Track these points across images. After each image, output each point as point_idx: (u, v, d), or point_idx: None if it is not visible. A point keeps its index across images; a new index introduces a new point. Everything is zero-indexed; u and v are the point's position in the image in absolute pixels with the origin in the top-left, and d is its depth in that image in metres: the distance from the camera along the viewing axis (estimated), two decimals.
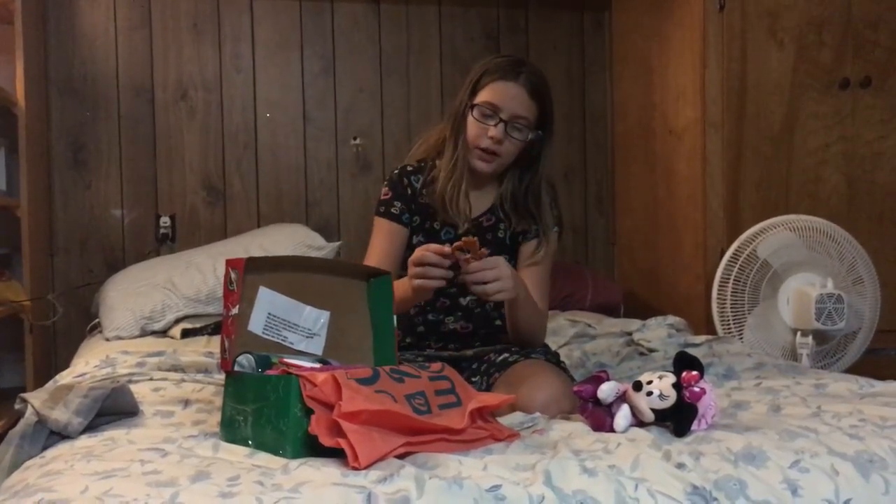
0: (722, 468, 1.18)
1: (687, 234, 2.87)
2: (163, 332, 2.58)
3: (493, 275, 1.65)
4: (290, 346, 1.49)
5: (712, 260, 2.65)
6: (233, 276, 1.40)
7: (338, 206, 3.25)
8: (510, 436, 1.35)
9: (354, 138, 3.26)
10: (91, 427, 1.42)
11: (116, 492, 1.09)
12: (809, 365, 2.27)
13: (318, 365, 1.38)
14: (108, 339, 2.53)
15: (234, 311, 1.39)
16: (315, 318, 1.52)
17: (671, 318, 2.42)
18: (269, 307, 1.46)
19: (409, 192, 1.93)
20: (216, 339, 2.42)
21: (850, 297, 2.33)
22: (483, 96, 1.85)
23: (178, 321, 2.59)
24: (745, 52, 2.73)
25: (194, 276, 2.67)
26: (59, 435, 1.40)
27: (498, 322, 1.95)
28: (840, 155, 2.77)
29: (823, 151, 2.77)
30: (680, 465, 1.18)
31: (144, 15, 3.10)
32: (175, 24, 3.12)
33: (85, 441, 1.37)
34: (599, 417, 1.38)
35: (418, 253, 1.65)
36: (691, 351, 1.76)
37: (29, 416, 1.43)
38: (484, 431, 1.33)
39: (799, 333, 2.34)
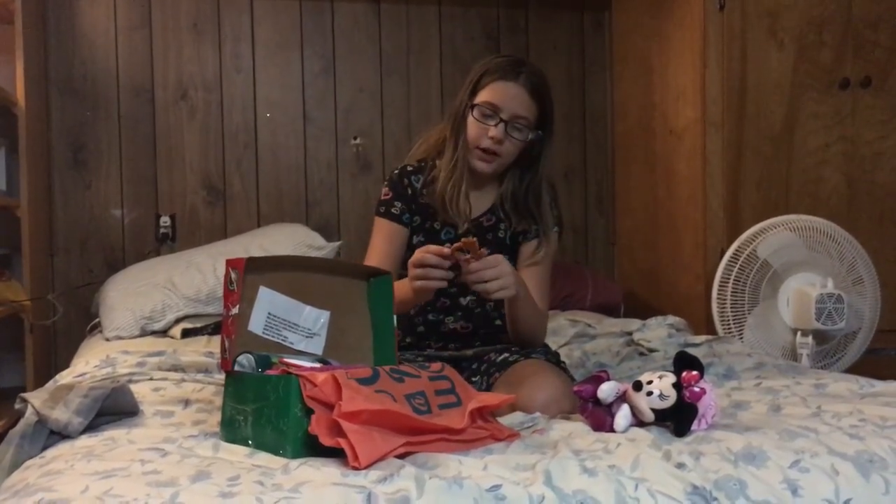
0: (722, 468, 1.18)
1: (687, 234, 2.87)
2: (163, 332, 2.58)
3: (494, 273, 1.65)
4: (290, 345, 1.49)
5: (712, 260, 2.65)
6: (233, 275, 1.40)
7: (338, 205, 3.25)
8: (510, 436, 1.35)
9: (354, 138, 3.26)
10: (91, 427, 1.42)
11: (117, 491, 1.09)
12: (809, 365, 2.27)
13: (318, 365, 1.38)
14: (108, 339, 2.53)
15: (235, 310, 1.39)
16: (315, 318, 1.52)
17: (671, 318, 2.42)
18: (269, 307, 1.46)
19: (410, 192, 1.93)
20: (216, 339, 2.42)
21: (851, 297, 2.33)
22: (483, 96, 1.85)
23: (178, 321, 2.59)
24: (745, 51, 2.73)
25: (194, 275, 2.67)
26: (59, 435, 1.40)
27: (498, 322, 1.95)
28: (840, 155, 2.77)
29: (823, 151, 2.77)
30: (680, 465, 1.18)
31: (144, 15, 3.10)
32: (175, 24, 3.12)
33: (85, 441, 1.37)
34: (599, 417, 1.38)
35: (418, 255, 1.65)
36: (691, 351, 1.76)
37: (29, 416, 1.43)
38: (484, 431, 1.33)
39: (799, 333, 2.34)
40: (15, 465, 1.35)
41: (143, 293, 2.62)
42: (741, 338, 2.34)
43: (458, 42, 3.32)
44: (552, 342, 2.14)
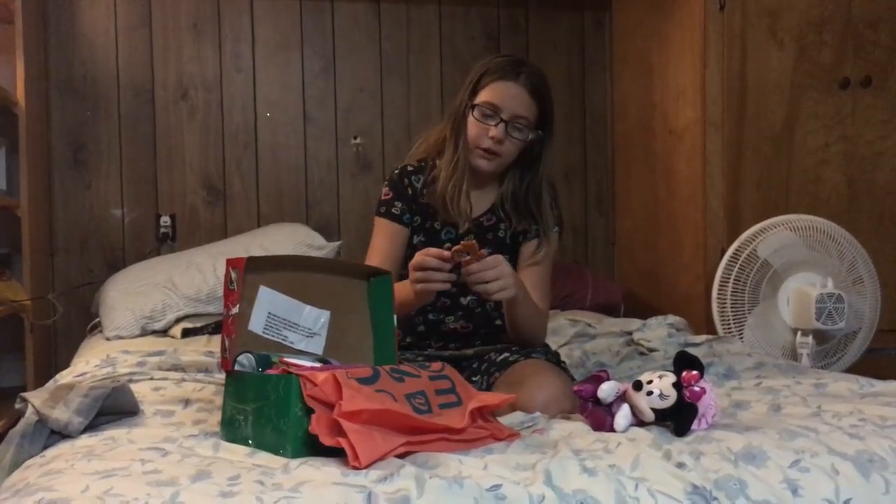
0: (722, 468, 1.18)
1: (687, 233, 2.87)
2: (163, 332, 2.58)
3: (494, 274, 1.65)
4: (290, 345, 1.49)
5: (712, 260, 2.65)
6: (233, 275, 1.40)
7: (338, 205, 3.25)
8: (510, 435, 1.35)
9: (355, 138, 3.26)
10: (91, 426, 1.42)
11: (117, 491, 1.09)
12: (810, 364, 2.27)
13: (318, 364, 1.38)
14: (108, 339, 2.53)
15: (235, 310, 1.39)
16: (315, 318, 1.52)
17: (671, 318, 2.42)
18: (269, 306, 1.46)
19: (410, 192, 1.93)
20: (216, 339, 2.42)
21: (851, 297, 2.33)
22: (483, 96, 1.85)
23: (178, 321, 2.59)
24: (745, 51, 2.73)
25: (195, 275, 2.67)
26: (59, 434, 1.40)
27: (498, 322, 1.95)
28: (840, 155, 2.77)
29: (824, 151, 2.77)
30: (680, 465, 1.18)
31: (145, 15, 3.10)
32: (175, 24, 3.12)
33: (85, 440, 1.37)
34: (599, 417, 1.38)
35: (418, 257, 1.65)
36: (691, 350, 1.76)
37: (29, 416, 1.43)
38: (484, 431, 1.33)
39: (799, 333, 2.34)
40: (15, 465, 1.35)
41: (144, 293, 2.62)
42: (741, 337, 2.34)
43: (459, 42, 3.32)
44: (552, 342, 2.14)
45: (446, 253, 1.63)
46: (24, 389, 2.45)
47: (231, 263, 1.42)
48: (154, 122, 3.12)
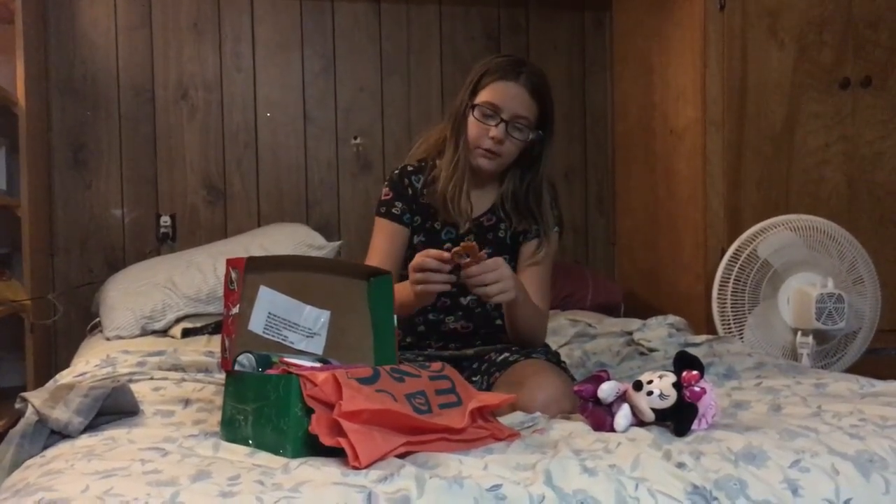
0: (722, 468, 1.18)
1: (687, 233, 2.87)
2: (163, 332, 2.58)
3: (494, 277, 1.65)
4: (290, 345, 1.49)
5: (712, 260, 2.65)
6: (233, 275, 1.40)
7: (338, 205, 3.25)
8: (510, 435, 1.35)
9: (355, 138, 3.26)
10: (91, 426, 1.42)
11: (117, 491, 1.09)
12: (810, 364, 2.27)
13: (318, 364, 1.38)
14: (108, 339, 2.53)
15: (235, 310, 1.39)
16: (315, 318, 1.52)
17: (671, 318, 2.42)
18: (269, 306, 1.46)
19: (410, 192, 1.93)
20: (217, 339, 2.42)
21: (851, 297, 2.32)
22: (484, 96, 1.85)
23: (178, 320, 2.59)
24: (745, 51, 2.72)
25: (195, 275, 2.67)
26: (59, 434, 1.40)
27: (499, 322, 1.95)
28: (840, 154, 2.77)
29: (824, 151, 2.77)
30: (680, 465, 1.18)
31: (145, 14, 3.10)
32: (175, 24, 3.12)
33: (85, 440, 1.37)
34: (600, 417, 1.38)
35: (418, 259, 1.65)
36: (692, 350, 1.76)
37: (29, 416, 1.43)
38: (484, 431, 1.33)
39: (799, 333, 2.34)
40: (15, 465, 1.35)
41: (144, 293, 2.62)
42: (741, 337, 2.34)
43: (459, 42, 3.32)
44: (552, 342, 2.14)
45: (446, 254, 1.63)
46: (24, 389, 2.45)
47: (231, 263, 1.42)
48: (154, 121, 3.12)
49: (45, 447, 1.38)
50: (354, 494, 1.07)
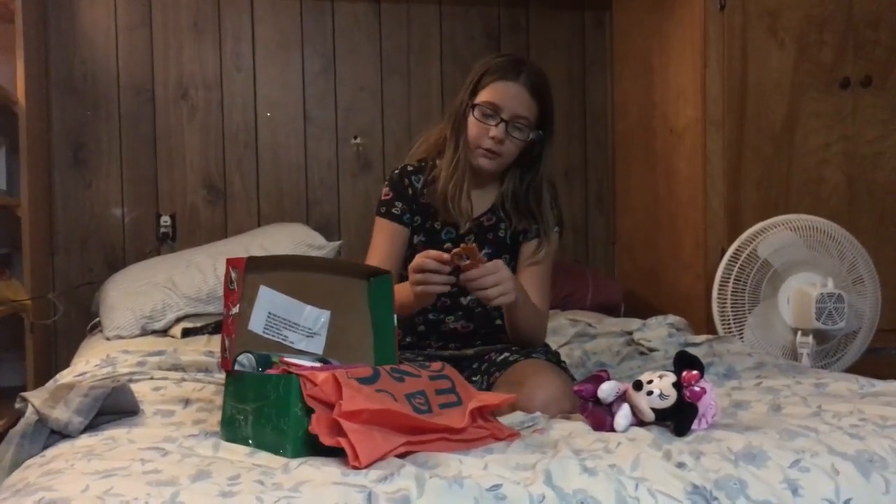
0: (722, 468, 1.18)
1: (687, 233, 2.87)
2: (163, 332, 2.58)
3: (494, 280, 1.65)
4: (290, 345, 1.49)
5: (713, 259, 2.65)
6: (233, 275, 1.40)
7: (338, 205, 3.25)
8: (511, 435, 1.35)
9: (355, 137, 3.26)
10: (91, 426, 1.42)
11: (117, 491, 1.09)
12: (810, 364, 2.27)
13: (318, 364, 1.38)
14: (108, 339, 2.53)
15: (235, 310, 1.39)
16: (315, 318, 1.52)
17: (671, 318, 2.42)
18: (269, 306, 1.46)
19: (410, 192, 1.93)
20: (217, 339, 2.42)
21: (851, 297, 2.32)
22: (484, 96, 1.85)
23: (178, 320, 2.59)
24: (745, 51, 2.72)
25: (195, 275, 2.67)
26: (59, 434, 1.40)
27: (499, 321, 1.94)
28: (841, 154, 2.77)
29: (824, 151, 2.77)
30: (680, 465, 1.18)
31: (145, 14, 3.10)
32: (175, 24, 3.12)
33: (85, 440, 1.37)
34: (600, 417, 1.38)
35: (418, 260, 1.65)
36: (692, 350, 1.76)
37: (29, 416, 1.43)
38: (484, 431, 1.33)
39: (799, 333, 2.34)
40: (15, 465, 1.35)
41: (144, 292, 2.62)
42: (741, 337, 2.34)
43: (459, 41, 3.32)
44: (552, 342, 2.14)
45: (445, 256, 1.63)
46: (24, 389, 2.45)
47: (231, 263, 1.42)
48: (154, 121, 3.12)
49: (45, 447, 1.38)
50: (354, 494, 1.07)
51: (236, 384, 1.38)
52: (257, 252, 2.60)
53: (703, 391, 1.34)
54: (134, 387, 1.65)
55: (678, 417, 1.34)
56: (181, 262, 2.76)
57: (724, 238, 2.67)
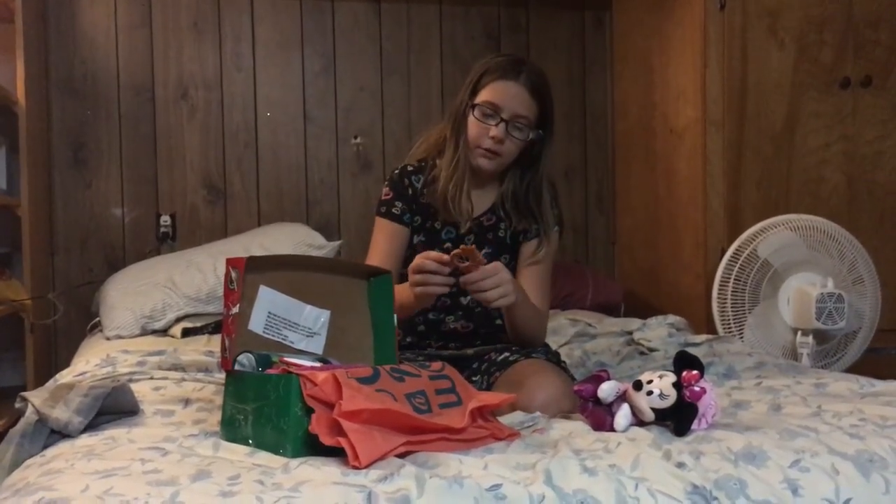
0: (722, 467, 1.18)
1: (687, 233, 2.87)
2: (163, 331, 2.58)
3: (494, 282, 1.65)
4: (290, 345, 1.49)
5: (713, 259, 2.65)
6: (233, 275, 1.40)
7: (338, 205, 3.25)
8: (510, 435, 1.35)
9: (355, 137, 3.26)
10: (91, 426, 1.42)
11: (117, 491, 1.09)
12: (810, 364, 2.27)
13: (318, 364, 1.38)
14: (108, 338, 2.53)
15: (235, 310, 1.39)
16: (315, 318, 1.52)
17: (671, 318, 2.42)
18: (269, 306, 1.46)
19: (410, 191, 1.93)
20: (217, 338, 2.42)
21: (851, 297, 2.32)
22: (484, 96, 1.85)
23: (178, 320, 2.59)
24: (745, 51, 2.72)
25: (195, 275, 2.67)
26: (59, 434, 1.40)
27: (499, 321, 1.94)
28: (841, 154, 2.77)
29: (824, 151, 2.77)
30: (680, 465, 1.18)
31: (145, 14, 3.10)
32: (175, 23, 3.12)
33: (85, 440, 1.37)
34: (600, 417, 1.38)
35: (417, 260, 1.65)
36: (692, 350, 1.76)
37: (29, 415, 1.43)
38: (484, 431, 1.33)
39: (799, 333, 2.34)
40: (15, 464, 1.35)
41: (144, 292, 2.62)
42: (741, 337, 2.34)
43: (459, 41, 3.32)
44: (552, 342, 2.14)
45: (445, 257, 1.63)
46: (24, 389, 2.45)
47: (231, 263, 1.42)
48: (154, 121, 3.12)
49: (45, 447, 1.38)
50: (354, 494, 1.07)
51: (236, 384, 1.38)
52: (257, 252, 2.61)
53: (703, 391, 1.34)
54: (134, 386, 1.65)
55: (678, 417, 1.34)
56: (181, 262, 2.76)
57: (724, 238, 2.67)
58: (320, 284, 1.53)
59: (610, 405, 1.38)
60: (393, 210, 1.92)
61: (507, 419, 1.47)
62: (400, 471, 1.13)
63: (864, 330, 2.40)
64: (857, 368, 2.28)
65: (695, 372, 1.35)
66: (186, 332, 2.54)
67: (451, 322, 1.94)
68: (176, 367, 1.93)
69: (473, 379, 1.82)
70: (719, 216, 2.73)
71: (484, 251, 1.90)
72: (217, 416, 1.46)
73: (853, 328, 2.37)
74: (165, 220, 3.10)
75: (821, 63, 2.75)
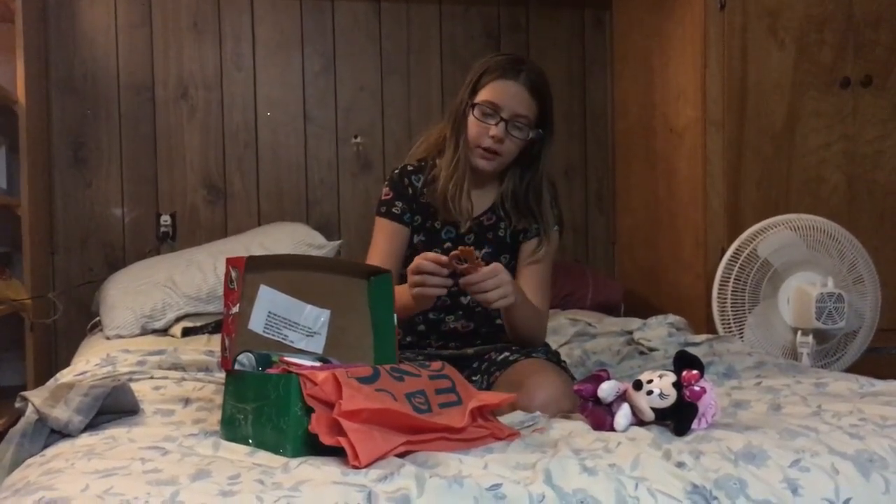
0: (722, 467, 1.18)
1: (687, 232, 2.87)
2: (163, 331, 2.58)
3: (494, 283, 1.65)
4: (290, 344, 1.49)
5: (713, 259, 2.65)
6: (233, 274, 1.40)
7: (338, 204, 3.25)
8: (510, 435, 1.35)
9: (355, 137, 3.26)
10: (92, 425, 1.42)
11: (117, 490, 1.09)
12: (810, 364, 2.27)
13: (318, 363, 1.38)
14: (108, 338, 2.53)
15: (235, 309, 1.39)
16: (315, 317, 1.52)
17: (671, 317, 2.42)
18: (269, 306, 1.46)
19: (410, 191, 1.93)
20: (217, 338, 2.42)
21: (851, 296, 2.33)
22: (483, 95, 1.85)
23: (178, 320, 2.59)
24: (745, 50, 2.72)
25: (195, 274, 2.67)
26: (59, 433, 1.40)
27: (499, 321, 1.94)
28: (841, 154, 2.77)
29: (824, 150, 2.77)
30: (680, 465, 1.18)
31: (145, 13, 3.10)
32: (175, 23, 3.12)
33: (85, 439, 1.37)
34: (600, 416, 1.38)
35: (416, 261, 1.65)
36: (692, 350, 1.76)
37: (30, 415, 1.43)
38: (484, 430, 1.33)
39: (799, 332, 2.34)
40: (15, 464, 1.35)
41: (144, 292, 2.62)
42: (741, 337, 2.34)
43: (459, 41, 3.32)
44: (552, 341, 2.14)
45: (443, 258, 1.63)
46: (25, 388, 2.46)
47: (231, 262, 1.42)
48: (154, 120, 3.12)
49: (46, 446, 1.38)
50: (354, 494, 1.07)
51: (236, 383, 1.38)
52: (257, 251, 2.61)
53: (703, 391, 1.34)
54: (134, 386, 1.65)
55: (678, 417, 1.34)
56: (181, 262, 2.76)
57: (724, 238, 2.67)
58: (320, 284, 1.53)
59: (610, 405, 1.38)
60: (393, 210, 1.92)
61: (507, 419, 1.47)
62: (400, 470, 1.13)
63: (864, 330, 2.40)
64: (857, 368, 2.28)
65: (695, 371, 1.35)
66: (186, 332, 2.54)
67: (452, 321, 1.94)
68: (176, 367, 1.93)
69: (473, 378, 1.82)
70: (719, 216, 2.73)
71: (484, 251, 1.90)
72: (217, 416, 1.46)
73: (853, 328, 2.37)
74: (165, 219, 3.10)
75: (821, 63, 2.75)
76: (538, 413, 1.51)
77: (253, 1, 3.18)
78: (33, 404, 1.44)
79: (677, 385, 1.35)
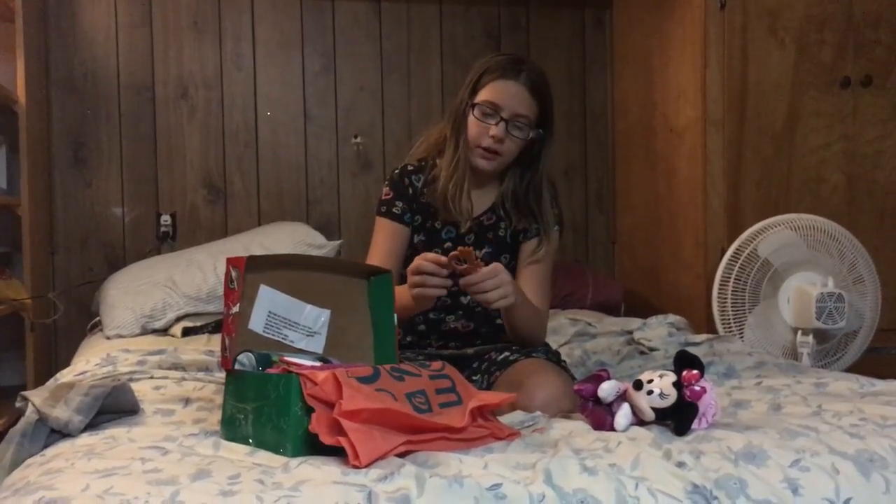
0: (722, 467, 1.18)
1: (687, 232, 2.87)
2: (163, 331, 2.58)
3: (494, 284, 1.65)
4: (290, 344, 1.49)
5: (713, 259, 2.65)
6: (233, 274, 1.40)
7: (338, 204, 3.25)
8: (511, 434, 1.35)
9: (355, 137, 3.26)
10: (92, 425, 1.42)
11: (117, 490, 1.09)
12: (810, 364, 2.27)
13: (318, 363, 1.38)
14: (108, 338, 2.53)
15: (235, 309, 1.39)
16: (316, 317, 1.52)
17: (672, 317, 2.42)
18: (269, 305, 1.46)
19: (411, 191, 1.93)
20: (217, 338, 2.42)
21: (851, 296, 2.32)
22: (484, 95, 1.85)
23: (178, 319, 2.59)
24: (745, 50, 2.72)
25: (195, 274, 2.67)
26: (59, 433, 1.40)
27: (499, 321, 1.94)
28: (841, 154, 2.77)
29: (824, 150, 2.77)
30: (680, 464, 1.18)
31: (145, 13, 3.10)
32: (176, 23, 3.12)
33: (86, 439, 1.37)
34: (600, 416, 1.38)
35: (416, 262, 1.65)
36: (692, 350, 1.76)
37: (30, 415, 1.43)
38: (484, 430, 1.33)
39: (799, 332, 2.34)
40: (15, 464, 1.35)
41: (144, 292, 2.62)
42: (742, 337, 2.34)
43: (459, 41, 3.32)
44: (552, 341, 2.14)
45: (443, 258, 1.63)
46: (25, 388, 2.46)
47: (231, 262, 1.42)
48: (154, 120, 3.12)
49: (46, 446, 1.38)
50: (354, 493, 1.07)
51: (236, 383, 1.38)
52: (258, 251, 2.61)
53: (704, 390, 1.34)
54: (134, 386, 1.65)
55: (678, 417, 1.34)
56: (181, 262, 2.76)
57: (724, 238, 2.67)
58: (320, 284, 1.53)
59: (610, 405, 1.38)
60: (393, 210, 1.92)
61: (507, 418, 1.47)
62: (400, 470, 1.13)
63: (864, 329, 2.40)
64: (857, 368, 2.28)
65: (695, 371, 1.35)
66: (187, 332, 2.54)
67: (452, 321, 1.94)
68: (176, 367, 1.93)
69: (473, 378, 1.82)
70: (719, 216, 2.73)
71: (484, 251, 1.90)
72: (217, 416, 1.46)
73: (853, 328, 2.37)
74: (165, 219, 3.10)
75: (821, 63, 2.75)
76: (538, 413, 1.51)
77: (253, 0, 3.18)
78: (33, 404, 1.44)
79: (677, 385, 1.35)
